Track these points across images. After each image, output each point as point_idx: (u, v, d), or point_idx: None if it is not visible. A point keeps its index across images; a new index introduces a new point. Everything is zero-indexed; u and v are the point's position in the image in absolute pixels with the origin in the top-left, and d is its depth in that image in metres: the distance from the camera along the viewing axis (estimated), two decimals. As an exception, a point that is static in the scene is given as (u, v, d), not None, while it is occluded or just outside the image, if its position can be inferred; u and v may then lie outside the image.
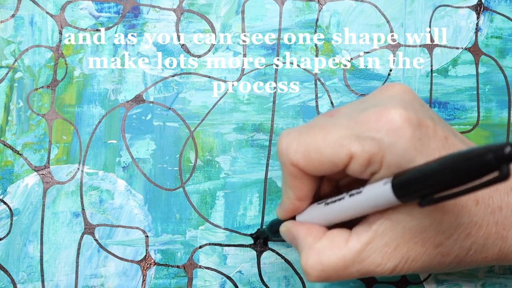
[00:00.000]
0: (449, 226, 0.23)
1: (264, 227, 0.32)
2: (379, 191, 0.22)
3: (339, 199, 0.24)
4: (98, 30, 0.33)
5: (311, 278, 0.24)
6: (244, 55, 0.33)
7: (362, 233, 0.23)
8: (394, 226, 0.23)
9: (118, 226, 0.32)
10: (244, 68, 0.33)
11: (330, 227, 0.25)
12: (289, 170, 0.25)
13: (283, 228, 0.27)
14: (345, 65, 0.33)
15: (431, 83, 0.33)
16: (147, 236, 0.32)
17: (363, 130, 0.23)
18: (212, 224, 0.32)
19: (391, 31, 0.34)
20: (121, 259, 0.32)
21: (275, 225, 0.29)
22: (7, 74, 0.32)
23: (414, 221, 0.23)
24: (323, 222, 0.25)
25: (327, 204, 0.25)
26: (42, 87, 0.33)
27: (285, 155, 0.25)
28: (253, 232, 0.32)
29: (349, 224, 0.25)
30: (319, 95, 0.33)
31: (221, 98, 0.33)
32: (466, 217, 0.23)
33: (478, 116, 0.33)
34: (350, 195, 0.24)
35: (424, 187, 0.20)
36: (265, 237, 0.32)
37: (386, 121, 0.22)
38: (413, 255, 0.23)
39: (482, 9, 0.34)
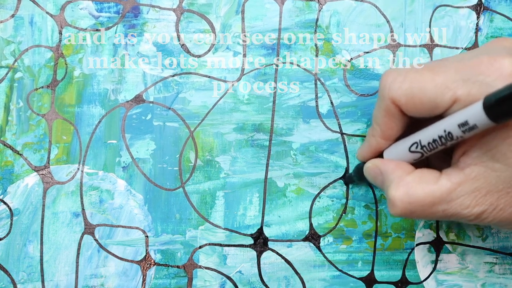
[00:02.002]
0: None
1: (350, 173, 0.32)
2: (470, 111, 0.22)
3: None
4: (98, 30, 0.33)
5: (397, 210, 0.24)
6: (244, 55, 0.33)
7: (453, 174, 0.24)
8: (488, 173, 0.23)
9: (118, 226, 0.32)
10: (244, 68, 0.33)
11: (418, 167, 0.25)
12: (386, 106, 0.25)
13: (369, 164, 0.27)
14: (345, 65, 0.33)
15: (431, 83, 0.33)
16: (147, 236, 0.32)
17: (472, 74, 0.23)
18: (212, 224, 0.32)
19: (391, 31, 0.34)
20: (121, 259, 0.32)
21: (360, 167, 0.29)
22: (7, 74, 0.32)
23: (510, 171, 0.22)
24: (413, 157, 0.26)
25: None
26: (42, 87, 0.33)
27: (387, 90, 0.25)
28: (253, 232, 0.32)
29: (438, 169, 0.25)
30: (319, 95, 0.33)
31: (221, 98, 0.33)
32: None
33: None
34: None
35: None
36: (350, 181, 0.32)
37: (498, 66, 0.22)
38: (502, 204, 0.23)
39: (482, 9, 0.34)
